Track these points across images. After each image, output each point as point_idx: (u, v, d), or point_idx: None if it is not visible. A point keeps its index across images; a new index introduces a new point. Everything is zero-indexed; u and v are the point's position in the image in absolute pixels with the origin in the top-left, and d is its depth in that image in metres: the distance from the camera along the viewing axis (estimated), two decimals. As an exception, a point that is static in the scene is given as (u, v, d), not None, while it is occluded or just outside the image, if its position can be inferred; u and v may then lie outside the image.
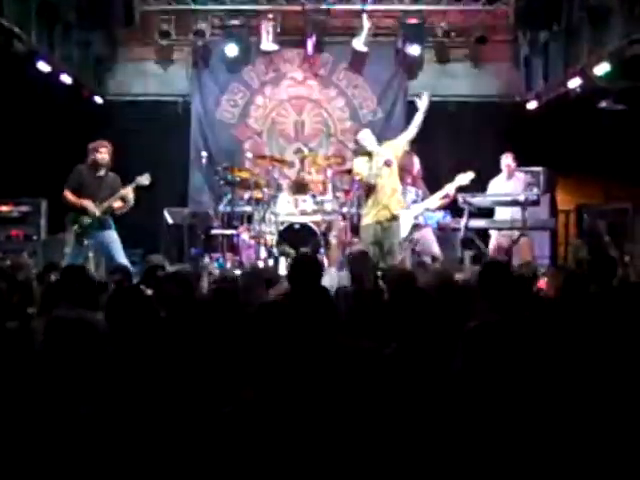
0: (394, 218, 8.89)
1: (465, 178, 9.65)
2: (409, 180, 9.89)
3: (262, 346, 3.47)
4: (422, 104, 9.01)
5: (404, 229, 9.37)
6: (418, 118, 9.01)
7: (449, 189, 9.73)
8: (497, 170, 10.46)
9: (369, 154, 8.95)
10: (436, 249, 9.77)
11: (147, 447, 2.98)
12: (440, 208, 9.91)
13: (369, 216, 8.97)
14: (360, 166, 9.08)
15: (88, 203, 8.49)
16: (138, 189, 8.70)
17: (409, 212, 9.63)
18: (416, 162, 10.08)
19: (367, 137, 9.12)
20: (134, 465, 2.92)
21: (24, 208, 11.00)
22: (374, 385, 3.11)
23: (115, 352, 3.54)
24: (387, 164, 8.81)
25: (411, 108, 12.43)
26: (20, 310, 4.25)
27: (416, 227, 9.76)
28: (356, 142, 9.36)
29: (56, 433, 2.96)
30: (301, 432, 2.89)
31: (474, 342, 3.27)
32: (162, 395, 3.24)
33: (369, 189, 9.01)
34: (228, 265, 10.31)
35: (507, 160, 10.36)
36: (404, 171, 9.56)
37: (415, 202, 9.83)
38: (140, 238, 10.68)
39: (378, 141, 9.14)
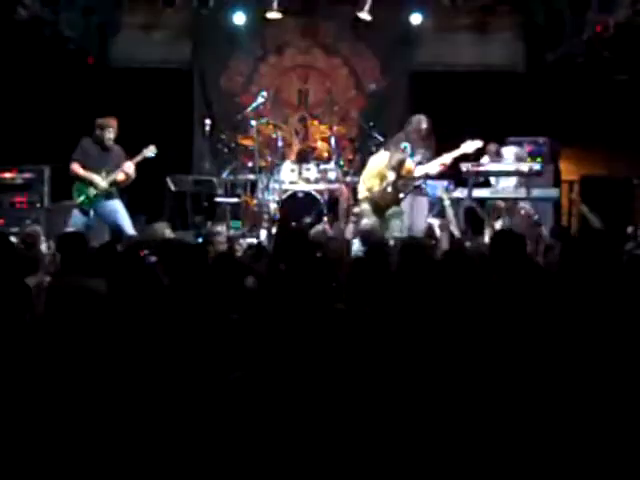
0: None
1: (472, 146, 9.15)
2: (418, 140, 9.18)
3: (260, 316, 3.51)
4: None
5: None
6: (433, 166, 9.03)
7: (447, 158, 9.11)
8: (500, 140, 10.45)
9: (400, 163, 8.73)
10: (420, 223, 9.19)
11: (150, 418, 2.98)
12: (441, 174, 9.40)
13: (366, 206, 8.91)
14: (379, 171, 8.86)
15: (96, 177, 8.57)
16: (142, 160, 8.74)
17: None
18: (423, 120, 9.26)
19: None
20: (134, 437, 2.91)
21: (27, 175, 10.96)
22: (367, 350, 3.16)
23: (116, 320, 3.53)
24: None
25: (415, 77, 12.49)
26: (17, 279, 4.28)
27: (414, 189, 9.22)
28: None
29: (58, 402, 2.96)
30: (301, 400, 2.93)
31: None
32: (164, 363, 3.24)
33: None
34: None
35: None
36: (413, 131, 9.14)
37: (420, 164, 9.17)
38: (143, 205, 10.68)
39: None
